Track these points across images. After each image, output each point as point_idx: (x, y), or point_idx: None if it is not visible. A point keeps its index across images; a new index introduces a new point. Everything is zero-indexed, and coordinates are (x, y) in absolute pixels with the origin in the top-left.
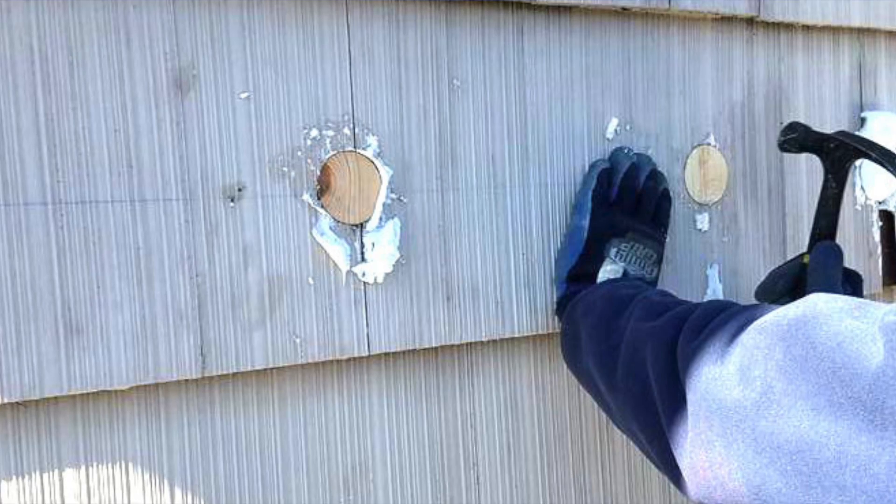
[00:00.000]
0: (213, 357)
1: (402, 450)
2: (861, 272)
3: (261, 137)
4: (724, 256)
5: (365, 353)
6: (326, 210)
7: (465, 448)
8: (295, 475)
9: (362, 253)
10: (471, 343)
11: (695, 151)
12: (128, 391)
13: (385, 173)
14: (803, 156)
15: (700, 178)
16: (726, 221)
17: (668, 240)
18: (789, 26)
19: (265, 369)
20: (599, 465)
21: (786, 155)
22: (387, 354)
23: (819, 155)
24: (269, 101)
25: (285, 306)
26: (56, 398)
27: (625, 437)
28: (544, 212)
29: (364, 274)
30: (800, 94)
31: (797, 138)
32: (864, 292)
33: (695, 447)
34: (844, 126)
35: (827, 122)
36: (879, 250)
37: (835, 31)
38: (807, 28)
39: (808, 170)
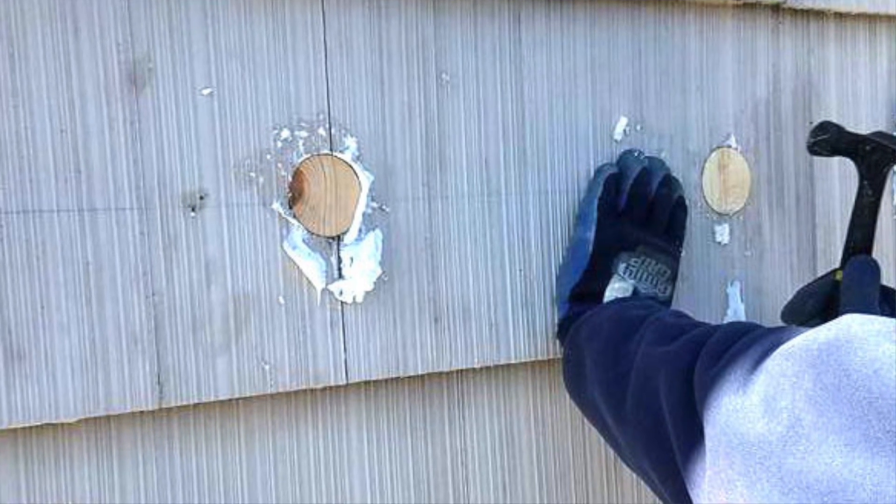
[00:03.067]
0: (172, 386)
1: (384, 491)
2: None
3: (225, 139)
4: (746, 273)
5: (342, 382)
6: (299, 220)
7: (456, 489)
8: None
9: (339, 269)
10: (461, 370)
11: (714, 155)
12: (75, 424)
13: (365, 179)
14: (836, 160)
15: (720, 184)
16: (749, 233)
17: (683, 254)
18: (820, 14)
19: (230, 399)
20: None
21: (816, 159)
22: (367, 383)
23: (853, 158)
24: (235, 97)
25: (252, 329)
26: None
27: (635, 476)
28: (544, 222)
29: (341, 292)
30: (832, 89)
31: (829, 140)
32: None
33: (714, 487)
34: (882, 126)
35: (862, 122)
36: None
37: (871, 18)
38: (840, 16)
39: (840, 175)
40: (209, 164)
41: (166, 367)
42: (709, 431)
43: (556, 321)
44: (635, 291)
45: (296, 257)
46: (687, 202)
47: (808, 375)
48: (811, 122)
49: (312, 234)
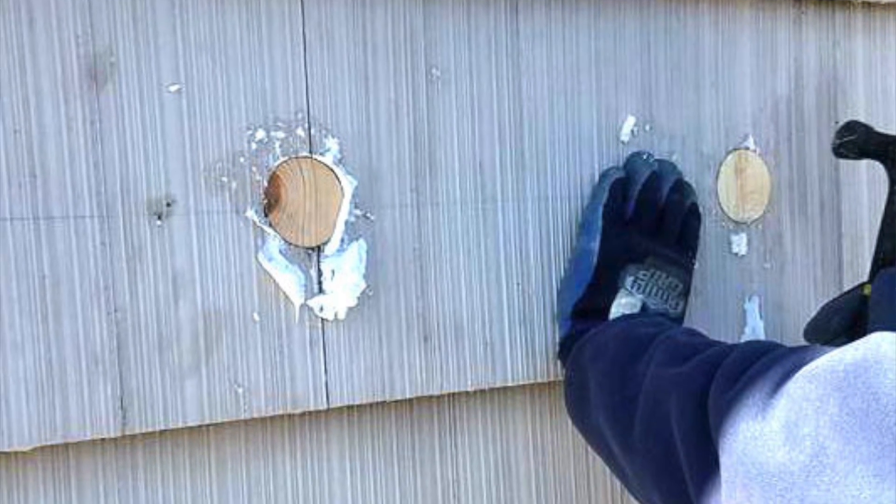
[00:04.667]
0: (136, 411)
1: None
2: None
3: (194, 140)
4: (765, 287)
5: (323, 407)
6: (275, 230)
7: None
8: None
9: (320, 282)
10: (453, 394)
11: (730, 157)
12: (30, 453)
13: (348, 184)
14: (864, 163)
15: (736, 190)
16: (769, 244)
17: (696, 266)
18: (846, 3)
19: (200, 426)
20: None
21: (842, 162)
22: (350, 408)
23: (883, 161)
24: (205, 95)
25: (224, 348)
26: None
27: None
28: (544, 232)
29: (322, 308)
30: (859, 86)
31: (856, 141)
32: None
33: None
34: None
35: (893, 121)
36: None
37: None
38: (868, 5)
39: (869, 180)
40: (177, 168)
41: (130, 391)
42: (725, 460)
43: (558, 340)
44: (644, 307)
45: (272, 270)
46: (701, 209)
47: (834, 399)
48: (837, 122)
49: (290, 244)
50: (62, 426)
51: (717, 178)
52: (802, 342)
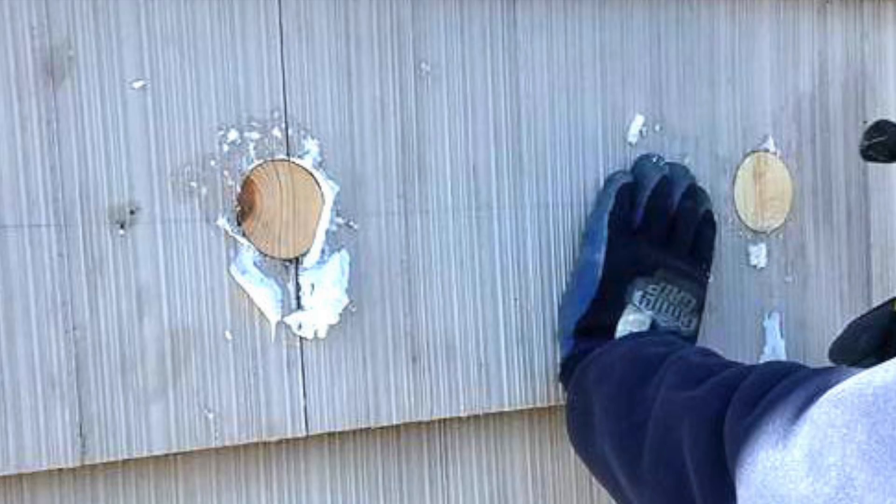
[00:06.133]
0: (97, 438)
1: None
2: None
3: (161, 141)
4: (787, 302)
5: (301, 434)
6: (249, 240)
7: None
8: None
9: (298, 298)
10: (445, 420)
11: (748, 160)
12: None
13: (329, 190)
14: (895, 167)
15: (755, 196)
16: (790, 255)
17: (711, 280)
18: None
19: (167, 455)
20: None
21: (871, 166)
22: (331, 435)
23: None
24: (173, 92)
25: (194, 370)
26: None
27: None
28: (544, 242)
29: (300, 326)
30: (890, 82)
31: (886, 142)
32: None
33: None
34: None
35: None
36: None
37: None
38: None
39: None
40: (141, 172)
41: (90, 416)
42: (742, 493)
43: (559, 361)
44: (654, 325)
45: (245, 284)
46: (716, 217)
47: (862, 426)
48: (865, 122)
49: (265, 255)
50: (15, 455)
51: (733, 183)
52: (827, 363)
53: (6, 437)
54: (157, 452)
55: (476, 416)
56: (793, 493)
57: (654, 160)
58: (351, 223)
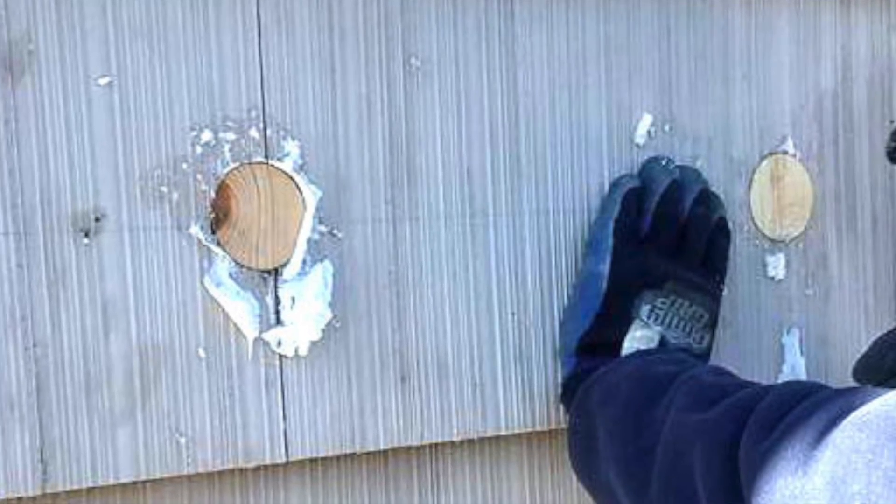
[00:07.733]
0: (59, 464)
1: None
2: None
3: (128, 143)
4: (807, 317)
5: (281, 460)
6: (225, 249)
7: None
8: None
9: (277, 312)
10: (436, 444)
11: (765, 163)
12: None
13: (310, 195)
14: None
15: (773, 202)
16: (811, 266)
17: (725, 293)
18: None
19: (135, 482)
20: None
21: None
22: (312, 461)
23: None
24: (142, 89)
25: (164, 390)
26: None
27: None
28: (544, 252)
29: (280, 343)
30: None
31: None
32: None
33: None
34: None
35: None
36: None
37: None
38: None
39: None
40: (107, 176)
41: (52, 441)
42: None
43: (560, 380)
44: (663, 341)
45: (220, 297)
46: (730, 225)
47: (889, 451)
48: (892, 121)
49: (242, 266)
50: None
51: (749, 187)
52: (851, 383)
53: None
54: (124, 480)
55: (470, 441)
56: None
57: (664, 163)
58: (335, 231)
